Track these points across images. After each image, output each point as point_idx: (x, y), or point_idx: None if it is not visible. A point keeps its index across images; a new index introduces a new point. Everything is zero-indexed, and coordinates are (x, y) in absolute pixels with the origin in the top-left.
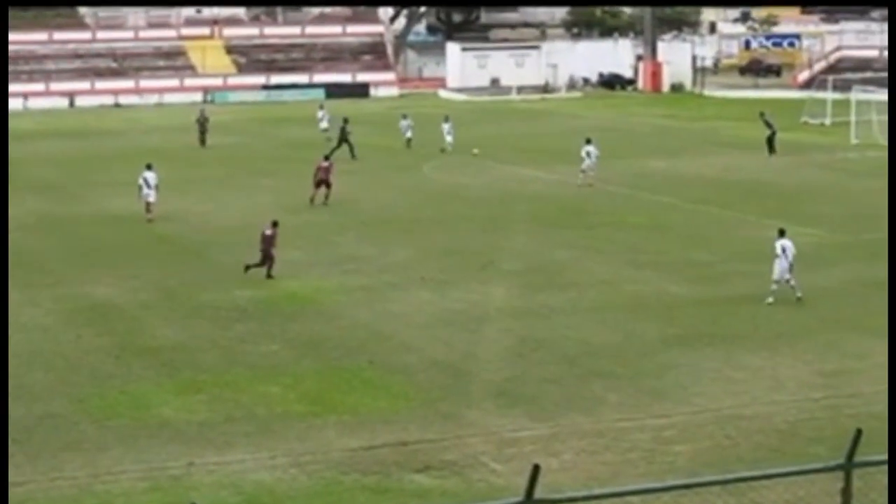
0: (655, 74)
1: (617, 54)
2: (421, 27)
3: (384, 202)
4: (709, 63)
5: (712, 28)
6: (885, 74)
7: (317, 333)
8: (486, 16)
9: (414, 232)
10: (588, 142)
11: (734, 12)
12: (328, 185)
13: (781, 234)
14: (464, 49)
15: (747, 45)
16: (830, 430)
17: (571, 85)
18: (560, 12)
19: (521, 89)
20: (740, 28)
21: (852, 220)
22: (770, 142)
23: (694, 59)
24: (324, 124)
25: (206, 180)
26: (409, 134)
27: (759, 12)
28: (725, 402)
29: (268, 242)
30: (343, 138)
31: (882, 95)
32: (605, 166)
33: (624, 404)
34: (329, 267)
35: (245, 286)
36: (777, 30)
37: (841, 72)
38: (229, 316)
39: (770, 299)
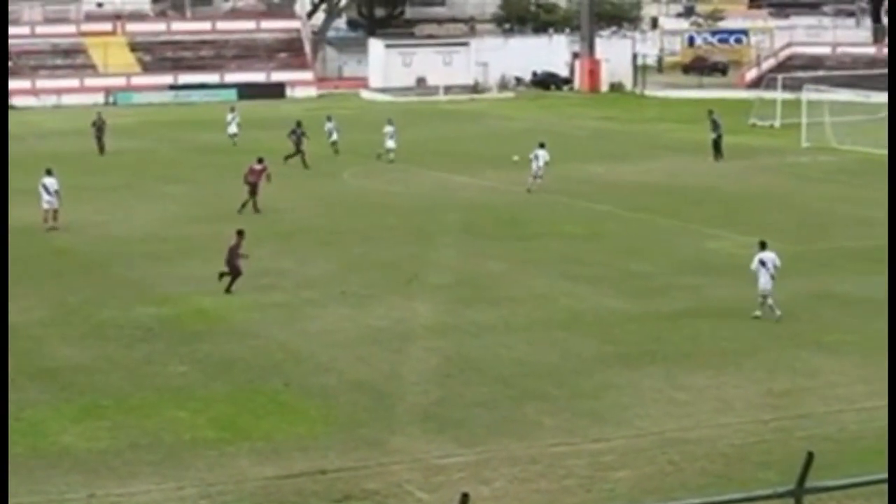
0: (593, 73)
1: (552, 52)
2: (341, 22)
3: (302, 211)
4: (650, 61)
5: (654, 23)
6: (839, 73)
7: (228, 354)
8: (411, 10)
9: (334, 243)
10: (541, 146)
11: (677, 6)
12: (254, 192)
13: (762, 246)
14: (387, 46)
15: (691, 41)
16: (780, 453)
17: (503, 85)
18: (491, 6)
19: (448, 89)
20: (684, 23)
21: (803, 228)
22: (716, 145)
23: (634, 56)
24: (233, 128)
25: (107, 188)
26: (335, 137)
27: (704, 6)
28: (668, 425)
29: (232, 254)
30: (298, 144)
31: (835, 95)
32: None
33: (560, 428)
34: (243, 282)
35: (150, 302)
36: (723, 25)
37: (791, 70)
38: (133, 335)
39: (758, 312)
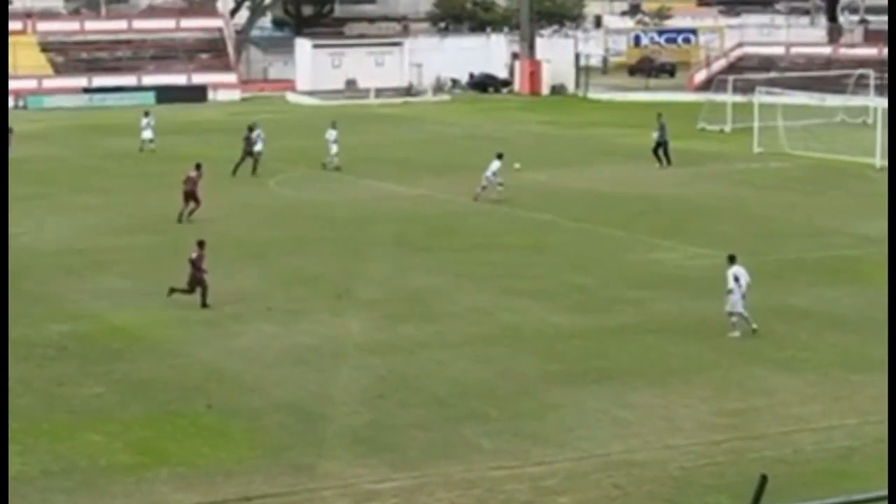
0: (534, 75)
1: (490, 52)
2: (266, 21)
3: (225, 222)
4: (595, 62)
5: (598, 22)
6: (792, 74)
7: (147, 373)
8: (340, 8)
9: (259, 256)
10: (499, 157)
11: (622, 4)
12: (196, 200)
13: (731, 260)
14: (315, 46)
15: (637, 41)
16: (732, 476)
17: (438, 87)
18: (425, 4)
19: (380, 92)
20: (629, 22)
21: (755, 239)
22: (665, 151)
23: (577, 57)
24: (147, 133)
25: (16, 199)
26: (259, 146)
27: (650, 4)
28: (614, 447)
29: (195, 266)
30: (248, 149)
31: (788, 98)
32: (475, 180)
33: (499, 450)
34: (162, 297)
35: (63, 319)
36: (670, 24)
37: (742, 71)
38: (45, 354)
39: (736, 333)
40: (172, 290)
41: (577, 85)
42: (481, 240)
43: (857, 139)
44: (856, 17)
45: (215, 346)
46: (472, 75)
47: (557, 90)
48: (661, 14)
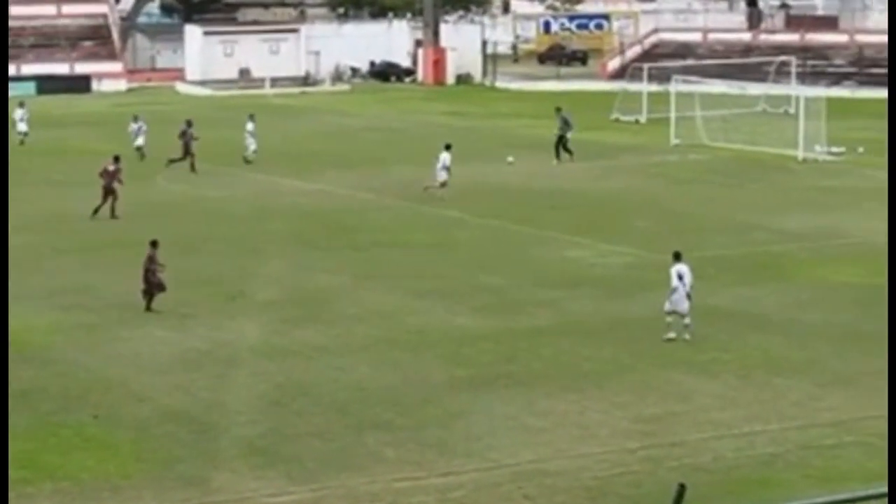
0: (438, 63)
1: (392, 39)
2: (154, 7)
3: (111, 220)
4: (503, 49)
5: (506, 7)
6: (710, 62)
7: (26, 382)
8: None
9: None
10: (447, 148)
11: None
12: (113, 194)
13: (676, 257)
14: (206, 33)
15: (547, 27)
16: (649, 485)
17: (337, 76)
18: None
19: (276, 82)
20: (539, 7)
21: (673, 235)
22: (564, 144)
23: (484, 44)
24: (22, 126)
25: None
26: (139, 141)
27: None
28: (525, 456)
29: (148, 268)
30: (187, 145)
31: (706, 87)
32: (378, 174)
33: (404, 460)
34: (41, 300)
35: None
36: (582, 9)
37: (658, 59)
38: None
39: (672, 334)
40: (148, 302)
41: (485, 74)
42: (384, 237)
43: (778, 130)
44: (776, 2)
45: (101, 353)
46: (372, 64)
47: (463, 79)
48: None
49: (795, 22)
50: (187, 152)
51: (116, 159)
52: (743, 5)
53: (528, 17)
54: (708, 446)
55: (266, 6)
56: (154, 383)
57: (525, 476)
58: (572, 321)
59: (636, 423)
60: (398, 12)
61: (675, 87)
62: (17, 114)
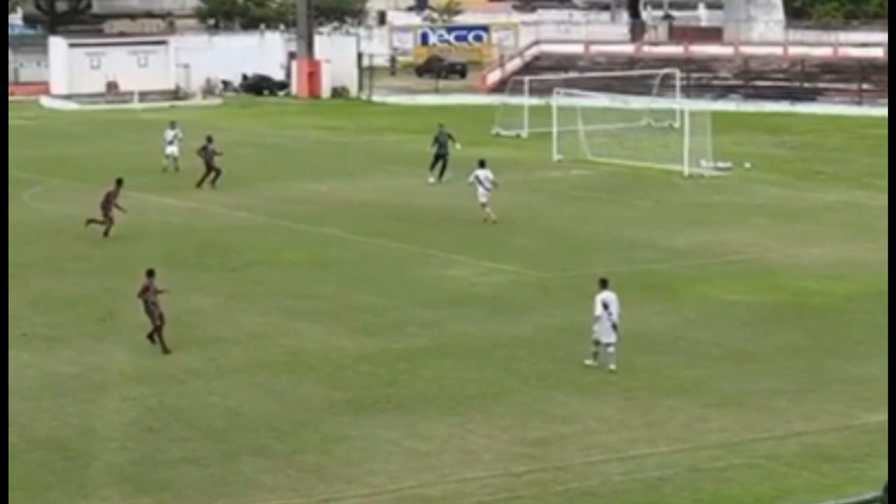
0: (313, 76)
1: (264, 52)
2: (17, 18)
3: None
4: (380, 61)
5: (382, 19)
6: (593, 74)
7: None
8: (98, 4)
9: (12, 277)
10: (482, 164)
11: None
12: (108, 218)
13: (603, 284)
14: (71, 45)
15: (424, 39)
16: None
17: (208, 90)
18: None
19: (145, 95)
20: (416, 19)
21: (555, 253)
22: (441, 163)
23: (360, 56)
24: (172, 149)
25: None
26: (173, 150)
27: None
28: (406, 481)
29: (145, 299)
30: (209, 161)
31: (589, 101)
32: (251, 192)
33: (282, 487)
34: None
35: None
36: (460, 20)
37: (539, 71)
38: None
39: (590, 361)
40: (152, 334)
41: (361, 87)
42: (258, 256)
43: (663, 144)
44: (660, 13)
45: None
46: (245, 77)
47: (339, 93)
48: (451, 10)
49: (679, 33)
50: (210, 168)
51: (119, 183)
52: (625, 17)
53: (404, 29)
54: (595, 470)
55: (133, 17)
56: (21, 409)
57: (407, 502)
58: (454, 342)
59: (521, 446)
60: (271, 24)
61: (557, 100)
62: (167, 135)
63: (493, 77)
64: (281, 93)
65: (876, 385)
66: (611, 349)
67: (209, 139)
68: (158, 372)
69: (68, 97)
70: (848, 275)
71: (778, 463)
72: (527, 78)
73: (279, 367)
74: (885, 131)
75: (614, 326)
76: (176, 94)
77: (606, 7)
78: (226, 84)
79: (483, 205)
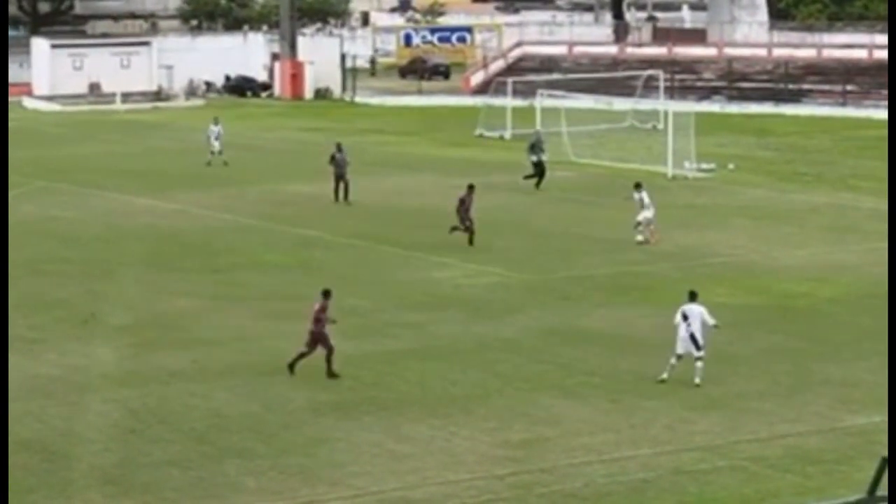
0: (296, 77)
1: (247, 53)
2: None
3: None
4: (362, 63)
5: (365, 20)
6: (576, 76)
7: None
8: (81, 5)
9: None
10: (638, 187)
11: (391, 0)
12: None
13: (691, 297)
14: (54, 46)
15: (408, 40)
16: None
17: (191, 91)
18: (175, 0)
19: (127, 97)
20: (399, 20)
21: (539, 255)
22: (539, 170)
23: (343, 58)
24: (216, 144)
25: None
26: (217, 145)
27: (421, 0)
28: (389, 483)
29: (318, 321)
30: (341, 172)
31: (573, 102)
32: (236, 193)
33: (265, 489)
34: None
35: None
36: (444, 22)
37: (522, 73)
38: None
39: (664, 375)
40: (297, 360)
41: (344, 88)
42: (242, 259)
43: (647, 145)
44: (643, 14)
45: None
46: (228, 78)
47: (322, 94)
48: (434, 11)
49: (663, 35)
50: (340, 178)
51: (470, 187)
52: (609, 18)
53: (388, 30)
54: (578, 472)
55: (116, 18)
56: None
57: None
58: (438, 344)
59: (504, 448)
60: (253, 25)
61: (541, 101)
62: (211, 131)
63: (477, 78)
64: (264, 94)
65: (860, 387)
66: (699, 363)
67: (339, 147)
68: (141, 374)
69: (51, 98)
70: (832, 277)
71: (762, 465)
72: (510, 79)
73: (263, 369)
74: (870, 132)
75: (692, 337)
76: (158, 96)
77: (590, 8)
78: (208, 85)
79: (638, 224)
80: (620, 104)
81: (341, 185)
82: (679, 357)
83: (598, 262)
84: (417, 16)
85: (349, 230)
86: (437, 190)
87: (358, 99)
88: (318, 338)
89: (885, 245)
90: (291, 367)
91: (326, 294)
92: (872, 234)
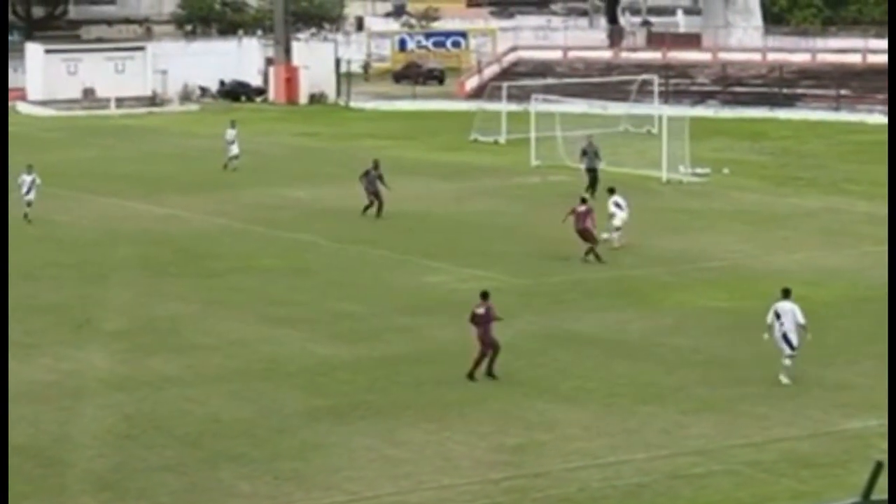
0: (290, 82)
1: (242, 57)
2: None
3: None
4: (356, 67)
5: (360, 24)
6: (571, 80)
7: None
8: (75, 10)
9: None
10: (612, 192)
11: (385, 5)
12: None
13: (784, 294)
14: (48, 51)
15: (402, 45)
16: None
17: (185, 96)
18: (168, 5)
19: (122, 102)
20: (394, 25)
21: (534, 259)
22: (591, 177)
23: (338, 62)
24: (234, 149)
25: None
26: (235, 150)
27: (416, 5)
28: (384, 488)
29: (485, 323)
30: (375, 190)
31: (567, 106)
32: (230, 198)
33: (259, 494)
34: None
35: None
36: (438, 26)
37: (517, 77)
38: None
39: (784, 378)
40: (477, 367)
41: (339, 93)
42: (236, 263)
43: (641, 150)
44: (638, 19)
45: None
46: (222, 83)
47: (317, 99)
48: (429, 16)
49: (657, 40)
50: (376, 196)
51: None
52: (604, 23)
53: (383, 35)
54: (573, 476)
55: (110, 23)
56: None
57: None
58: (432, 348)
59: (499, 453)
60: (248, 30)
61: (535, 106)
62: (228, 135)
63: (471, 83)
64: (258, 99)
65: (854, 391)
66: (786, 361)
67: (375, 164)
68: (136, 379)
69: (45, 103)
70: (826, 281)
71: (756, 469)
72: (505, 84)
73: (257, 374)
74: (864, 137)
75: (784, 337)
76: (153, 101)
77: (584, 13)
78: (203, 90)
79: (617, 228)
80: (615, 109)
81: (374, 203)
82: (791, 357)
83: (593, 266)
84: (412, 21)
85: (343, 234)
86: (432, 194)
87: (352, 104)
88: (489, 340)
89: (880, 249)
90: (486, 363)
91: (485, 295)
92: (867, 238)
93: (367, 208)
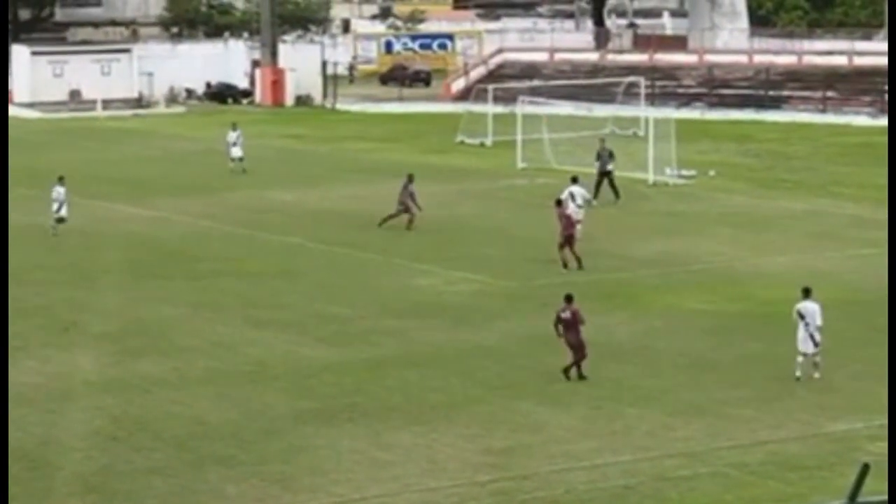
0: (277, 84)
1: (228, 59)
2: None
3: None
4: (343, 69)
5: (346, 27)
6: (557, 82)
7: None
8: (62, 12)
9: None
10: (574, 181)
11: (372, 7)
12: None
13: (805, 294)
14: (34, 53)
15: (389, 47)
16: None
17: (172, 98)
18: (155, 7)
19: (108, 104)
20: (380, 27)
21: (521, 262)
22: (607, 181)
23: (324, 64)
24: (237, 151)
25: None
26: (238, 152)
27: (402, 7)
28: (371, 490)
29: (574, 325)
30: (407, 203)
31: (553, 109)
32: (216, 201)
33: (246, 496)
34: None
35: None
36: (424, 28)
37: (503, 80)
38: None
39: (797, 373)
40: (570, 369)
41: (325, 95)
42: (223, 266)
43: (628, 152)
44: (624, 21)
45: None
46: (209, 85)
47: (303, 101)
48: (415, 18)
49: (643, 42)
50: (406, 209)
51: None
52: (590, 25)
53: (369, 37)
54: (560, 479)
55: (97, 25)
56: None
57: None
58: (419, 351)
59: (486, 455)
60: (234, 32)
61: (522, 108)
62: (230, 137)
63: (458, 85)
64: (245, 101)
65: (841, 394)
66: (816, 359)
67: (410, 178)
68: (122, 381)
69: (31, 105)
70: (813, 284)
71: (743, 471)
72: (491, 86)
73: (244, 377)
74: (850, 139)
75: (811, 337)
76: (139, 103)
77: (571, 15)
78: (189, 92)
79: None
80: (601, 111)
81: (402, 216)
82: (805, 355)
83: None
84: (398, 23)
85: (330, 237)
86: (419, 197)
87: (339, 106)
88: (579, 343)
89: (867, 252)
90: (567, 373)
91: (569, 298)
92: (853, 241)
93: (410, 221)
